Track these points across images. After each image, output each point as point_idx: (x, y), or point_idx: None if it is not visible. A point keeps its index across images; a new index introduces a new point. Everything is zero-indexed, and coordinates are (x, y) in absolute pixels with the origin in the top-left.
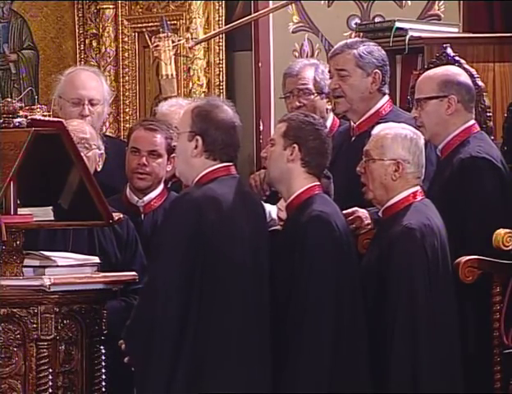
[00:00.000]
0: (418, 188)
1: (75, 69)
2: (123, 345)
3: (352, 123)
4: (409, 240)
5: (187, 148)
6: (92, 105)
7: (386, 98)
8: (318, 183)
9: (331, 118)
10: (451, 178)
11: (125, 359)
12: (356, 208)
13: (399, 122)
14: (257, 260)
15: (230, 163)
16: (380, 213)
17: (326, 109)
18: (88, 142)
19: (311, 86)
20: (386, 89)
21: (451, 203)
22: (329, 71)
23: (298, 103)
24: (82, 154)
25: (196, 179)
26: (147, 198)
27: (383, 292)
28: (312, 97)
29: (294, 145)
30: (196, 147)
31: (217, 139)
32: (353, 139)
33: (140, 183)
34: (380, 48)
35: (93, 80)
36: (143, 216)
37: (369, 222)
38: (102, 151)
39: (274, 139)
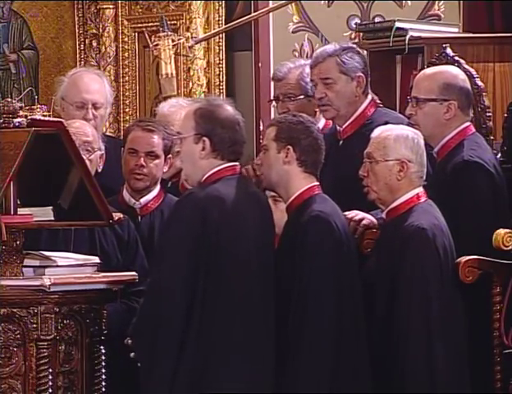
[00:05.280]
0: (421, 189)
1: (78, 71)
2: (130, 341)
3: (338, 127)
4: (420, 240)
5: (194, 150)
6: (95, 109)
7: (369, 98)
8: (317, 183)
9: (323, 120)
10: (445, 181)
11: (132, 355)
12: (356, 211)
13: (386, 121)
14: (262, 259)
15: (237, 163)
16: (383, 215)
17: (315, 111)
18: (91, 145)
19: (296, 91)
20: (368, 90)
21: (444, 207)
22: (312, 80)
23: (283, 109)
24: (84, 157)
25: (202, 179)
26: (144, 200)
27: (395, 293)
28: (297, 101)
29: (289, 147)
30: (204, 148)
31: (224, 138)
32: (340, 142)
33: (138, 184)
34: (359, 49)
35: (97, 83)
36: (140, 218)
37: (369, 220)
38: (103, 152)
39: (266, 145)
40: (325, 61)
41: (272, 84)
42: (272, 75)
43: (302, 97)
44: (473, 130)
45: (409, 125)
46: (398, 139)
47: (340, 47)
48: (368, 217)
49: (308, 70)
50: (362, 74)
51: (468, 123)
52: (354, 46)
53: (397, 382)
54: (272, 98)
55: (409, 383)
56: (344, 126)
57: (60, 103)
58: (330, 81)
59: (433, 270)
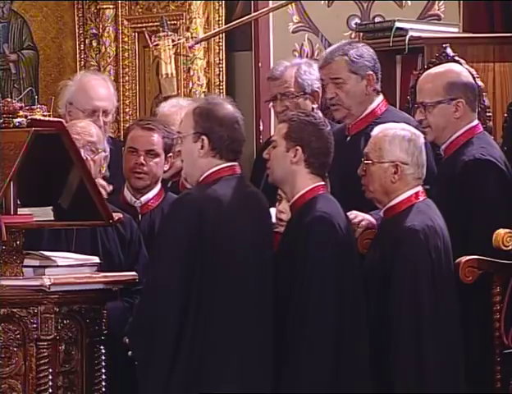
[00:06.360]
0: (419, 188)
1: (85, 76)
2: (127, 340)
3: (347, 123)
4: (412, 241)
5: (193, 149)
6: (105, 115)
7: (381, 97)
8: (322, 183)
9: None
10: (453, 179)
11: (129, 353)
12: (356, 212)
13: (394, 121)
14: (260, 259)
15: (235, 163)
16: (381, 214)
17: (312, 108)
18: (95, 146)
19: (293, 89)
20: (379, 87)
21: (453, 204)
22: (322, 79)
23: (282, 108)
24: (88, 158)
25: (200, 179)
26: (144, 198)
27: (387, 293)
28: (295, 99)
29: (298, 147)
30: (202, 147)
31: (222, 136)
32: (348, 138)
33: (138, 182)
34: (368, 47)
35: (105, 89)
36: (140, 216)
37: (368, 220)
38: (107, 153)
39: (276, 141)
40: (334, 61)
41: (269, 83)
42: (268, 75)
43: (302, 93)
44: (482, 128)
45: (417, 127)
46: (393, 141)
47: (350, 45)
48: (367, 218)
49: (304, 68)
50: (372, 72)
51: (476, 121)
52: (363, 43)
53: (388, 381)
54: (269, 97)
55: (397, 383)
56: (353, 123)
57: (67, 107)
58: (340, 81)
59: (424, 271)
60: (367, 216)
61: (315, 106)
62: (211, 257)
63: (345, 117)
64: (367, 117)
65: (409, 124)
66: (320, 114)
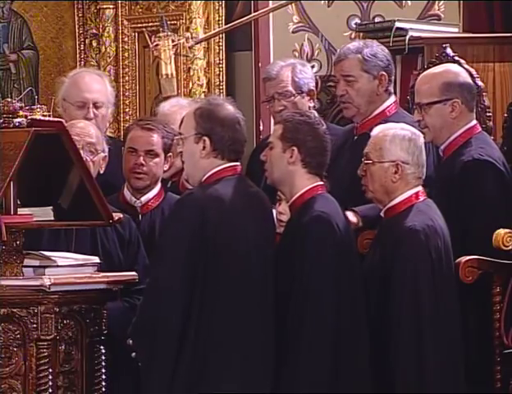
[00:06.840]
0: (419, 188)
1: (78, 71)
2: (131, 341)
3: (355, 122)
4: (413, 242)
5: (195, 150)
6: (96, 108)
7: (393, 99)
8: (321, 183)
9: None
10: (453, 180)
11: (133, 355)
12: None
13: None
14: (262, 259)
15: (237, 163)
16: (382, 214)
17: (309, 107)
18: (94, 147)
19: (290, 88)
20: (391, 88)
21: (452, 204)
22: (334, 76)
23: (280, 107)
24: (88, 159)
25: (202, 179)
26: (144, 198)
27: (387, 293)
28: (292, 98)
29: (294, 148)
30: (204, 148)
31: (224, 136)
32: (355, 138)
33: (138, 183)
34: (383, 47)
35: (97, 83)
36: (140, 216)
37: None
38: (106, 154)
39: (272, 142)
40: (347, 59)
41: (264, 84)
42: (263, 76)
43: (299, 92)
44: (480, 128)
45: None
46: (393, 141)
47: (364, 44)
48: (353, 223)
49: (299, 67)
50: (384, 72)
51: (474, 122)
52: (378, 43)
53: (388, 381)
54: (265, 98)
55: (397, 383)
56: (361, 122)
57: (61, 103)
58: (351, 79)
59: (425, 272)
60: (352, 219)
61: (311, 105)
62: (213, 257)
63: (354, 116)
64: (376, 118)
65: (416, 128)
66: (315, 113)
